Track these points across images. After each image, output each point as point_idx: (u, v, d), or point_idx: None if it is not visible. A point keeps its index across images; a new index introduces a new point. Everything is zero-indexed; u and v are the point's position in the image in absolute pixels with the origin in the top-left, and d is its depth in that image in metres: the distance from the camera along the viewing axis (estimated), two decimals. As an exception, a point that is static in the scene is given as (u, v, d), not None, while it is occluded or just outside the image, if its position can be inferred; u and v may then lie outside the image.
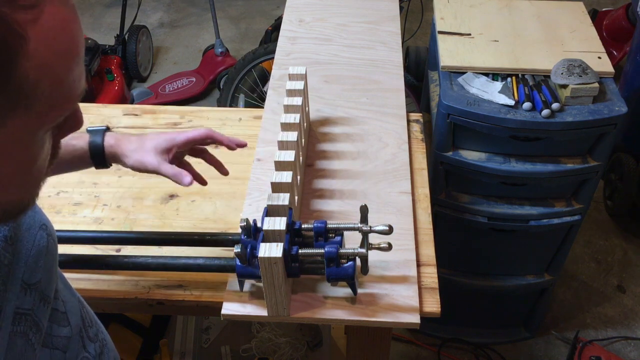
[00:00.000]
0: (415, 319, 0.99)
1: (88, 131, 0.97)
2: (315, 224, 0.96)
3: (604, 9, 3.17)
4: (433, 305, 1.03)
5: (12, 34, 0.42)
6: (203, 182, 1.05)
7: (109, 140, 0.97)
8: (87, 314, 0.79)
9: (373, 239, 0.96)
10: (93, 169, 0.99)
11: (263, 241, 0.91)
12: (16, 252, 0.64)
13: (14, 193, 0.52)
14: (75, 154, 0.95)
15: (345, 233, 0.98)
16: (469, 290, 1.88)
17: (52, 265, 0.71)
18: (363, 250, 0.94)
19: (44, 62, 0.45)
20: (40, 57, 0.45)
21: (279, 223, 0.92)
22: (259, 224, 0.95)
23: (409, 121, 1.40)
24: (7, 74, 0.43)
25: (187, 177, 0.96)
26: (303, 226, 0.97)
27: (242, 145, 1.03)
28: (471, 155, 1.58)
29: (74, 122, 0.54)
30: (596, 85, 1.47)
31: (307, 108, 1.32)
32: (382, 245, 0.96)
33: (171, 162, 0.99)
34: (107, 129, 0.99)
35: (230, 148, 1.05)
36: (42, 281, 0.67)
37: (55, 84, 0.47)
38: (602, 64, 1.55)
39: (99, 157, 0.96)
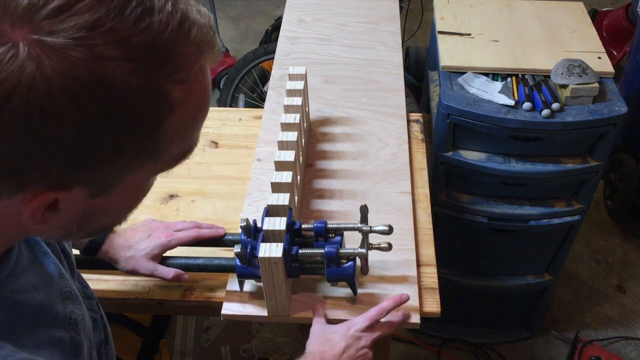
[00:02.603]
0: (415, 319, 0.99)
1: None
2: (315, 224, 0.96)
3: (604, 9, 3.17)
4: (433, 305, 1.03)
5: (165, 105, 0.47)
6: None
7: (106, 245, 1.01)
8: (79, 275, 0.83)
9: (373, 239, 0.96)
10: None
11: (263, 241, 0.91)
12: None
13: (121, 219, 0.60)
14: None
15: (345, 233, 0.98)
16: (469, 290, 1.88)
17: None
18: (363, 250, 0.94)
19: (180, 127, 0.51)
20: (179, 124, 0.50)
21: (279, 223, 0.92)
22: (259, 224, 0.95)
23: (409, 121, 1.40)
24: (151, 137, 0.49)
25: (185, 275, 1.02)
26: (303, 226, 0.97)
27: (221, 235, 1.07)
28: (471, 155, 1.58)
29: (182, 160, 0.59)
30: (596, 85, 1.47)
31: (307, 108, 1.32)
32: (382, 245, 0.96)
33: None
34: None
35: (218, 235, 1.07)
36: (70, 251, 0.75)
37: (184, 142, 0.53)
38: (602, 64, 1.55)
39: (91, 253, 1.01)
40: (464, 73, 1.56)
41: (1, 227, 0.54)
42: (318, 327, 0.95)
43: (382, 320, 0.95)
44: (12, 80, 0.41)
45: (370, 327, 0.92)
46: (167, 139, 0.50)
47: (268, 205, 0.96)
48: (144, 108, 0.46)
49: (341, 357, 0.89)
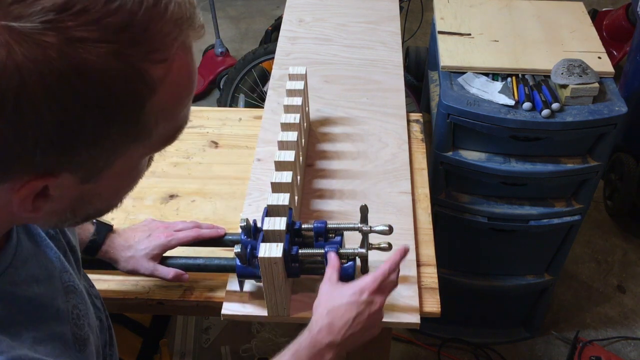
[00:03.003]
0: (415, 319, 0.99)
1: (94, 223, 1.00)
2: (315, 224, 0.96)
3: (604, 9, 3.17)
4: (433, 305, 1.03)
5: (145, 85, 0.46)
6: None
7: (106, 246, 1.01)
8: (85, 274, 0.83)
9: (373, 239, 0.96)
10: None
11: (263, 241, 0.91)
12: None
13: (116, 202, 0.59)
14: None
15: (345, 233, 0.98)
16: (469, 290, 1.88)
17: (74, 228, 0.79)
18: (363, 250, 0.94)
19: (165, 107, 0.50)
20: (163, 104, 0.49)
21: (279, 223, 0.92)
22: (259, 224, 0.95)
23: (409, 121, 1.40)
24: (134, 119, 0.48)
25: (185, 275, 1.02)
26: (303, 226, 0.97)
27: (221, 235, 1.06)
28: (471, 155, 1.58)
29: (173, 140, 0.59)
30: (596, 85, 1.47)
31: (307, 108, 1.32)
32: (382, 245, 0.96)
33: None
34: (111, 228, 1.02)
35: (219, 235, 1.07)
36: (76, 245, 0.75)
37: (171, 122, 0.52)
38: (602, 64, 1.55)
39: (91, 253, 1.00)
40: (464, 73, 1.56)
41: None
42: (326, 288, 0.88)
43: None
44: None
45: (381, 287, 0.87)
46: (152, 120, 0.49)
47: (268, 205, 0.96)
48: (123, 91, 0.45)
49: (352, 325, 0.83)
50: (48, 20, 0.41)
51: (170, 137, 0.54)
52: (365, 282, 0.86)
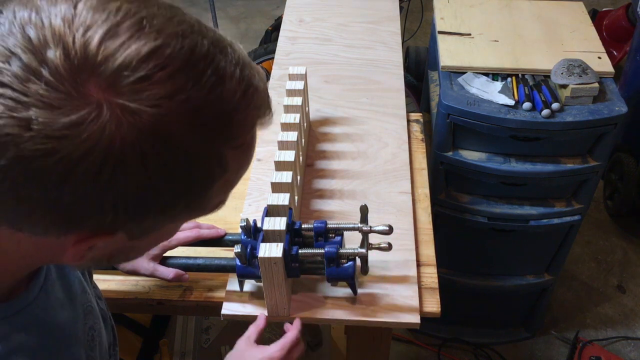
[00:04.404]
0: (415, 319, 0.99)
1: None
2: (315, 224, 0.95)
3: (604, 9, 3.17)
4: (433, 305, 1.03)
5: (220, 167, 0.50)
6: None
7: None
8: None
9: (373, 239, 0.96)
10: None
11: (263, 241, 0.91)
12: None
13: (144, 253, 0.62)
14: None
15: (345, 233, 0.98)
16: (469, 290, 1.88)
17: None
18: (363, 250, 0.94)
19: (225, 184, 0.53)
20: (227, 182, 0.53)
21: (279, 223, 0.92)
22: (259, 224, 0.95)
23: (409, 121, 1.40)
24: (202, 195, 0.51)
25: (185, 275, 1.03)
26: (303, 226, 0.97)
27: (221, 235, 1.07)
28: (471, 155, 1.58)
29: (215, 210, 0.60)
30: (596, 85, 1.47)
31: (307, 108, 1.32)
32: (382, 245, 0.96)
33: None
34: None
35: (219, 235, 1.08)
36: None
37: (225, 195, 0.56)
38: (602, 64, 1.55)
39: None
40: (464, 73, 1.56)
41: (38, 256, 0.55)
42: (242, 346, 0.93)
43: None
44: (91, 140, 0.42)
45: (288, 353, 0.92)
46: (213, 196, 0.52)
47: (268, 205, 0.96)
48: (201, 170, 0.48)
49: None
50: (157, 105, 0.44)
51: (215, 206, 0.56)
52: (272, 351, 0.91)
